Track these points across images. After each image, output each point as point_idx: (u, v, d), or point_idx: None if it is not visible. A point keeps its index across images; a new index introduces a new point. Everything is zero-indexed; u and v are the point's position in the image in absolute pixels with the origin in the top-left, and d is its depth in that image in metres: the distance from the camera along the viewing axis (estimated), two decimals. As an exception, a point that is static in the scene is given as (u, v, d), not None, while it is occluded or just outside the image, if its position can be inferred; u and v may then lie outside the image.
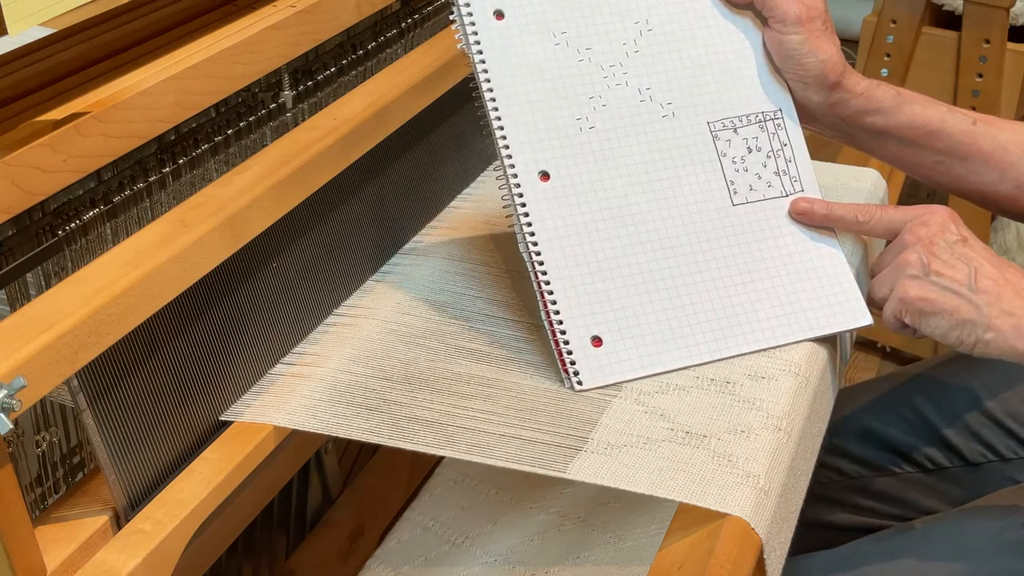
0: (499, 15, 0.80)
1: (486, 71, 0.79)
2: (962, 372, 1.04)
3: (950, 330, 0.78)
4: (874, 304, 0.83)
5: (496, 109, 0.78)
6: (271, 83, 0.84)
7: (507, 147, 0.78)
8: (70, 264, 0.69)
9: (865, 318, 0.83)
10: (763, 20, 0.85)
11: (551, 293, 0.77)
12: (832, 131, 0.89)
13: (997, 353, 0.77)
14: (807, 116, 0.88)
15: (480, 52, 0.79)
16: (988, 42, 1.73)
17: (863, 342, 1.95)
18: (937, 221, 0.81)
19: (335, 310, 0.85)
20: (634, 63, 0.83)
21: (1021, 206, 0.90)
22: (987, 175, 0.88)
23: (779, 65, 0.86)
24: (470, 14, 0.79)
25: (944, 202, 1.71)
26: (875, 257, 0.86)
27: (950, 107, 0.88)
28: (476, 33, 0.79)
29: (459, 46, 0.80)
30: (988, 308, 0.76)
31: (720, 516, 0.66)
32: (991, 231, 1.90)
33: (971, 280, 0.77)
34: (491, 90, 0.79)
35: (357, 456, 1.05)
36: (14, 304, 0.66)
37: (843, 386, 0.97)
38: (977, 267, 0.78)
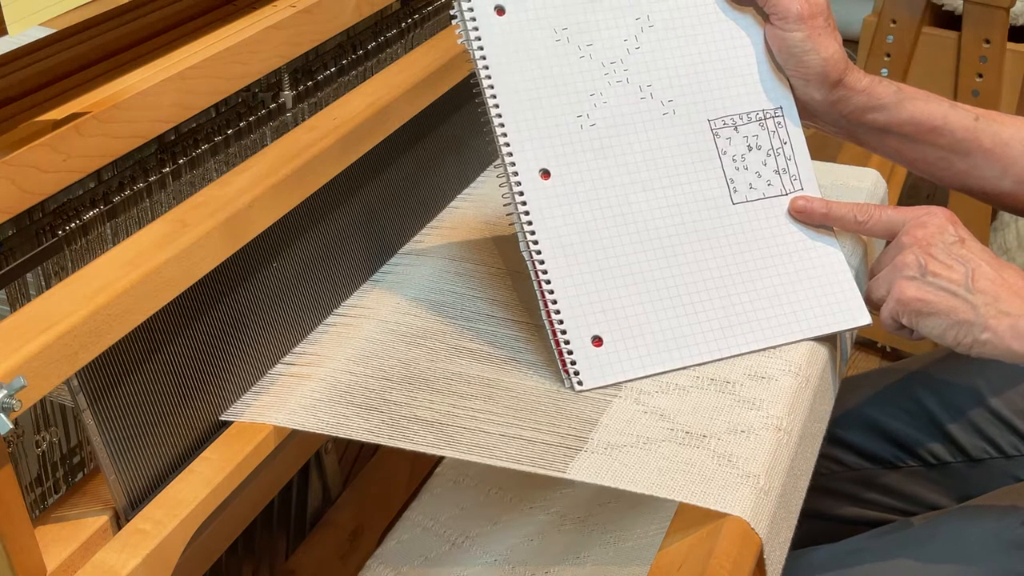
0: (500, 11, 0.80)
1: (487, 68, 0.79)
2: (966, 366, 1.03)
3: (947, 331, 0.78)
4: (871, 305, 0.83)
5: (497, 106, 0.78)
6: (271, 83, 0.84)
7: (508, 145, 0.78)
8: (70, 264, 0.69)
9: (864, 317, 0.83)
10: (765, 17, 0.85)
11: (552, 293, 0.77)
12: (834, 128, 0.89)
13: (994, 354, 0.77)
14: (809, 113, 0.88)
15: (481, 49, 0.79)
16: (988, 42, 1.72)
17: (863, 342, 1.95)
18: (935, 223, 0.81)
19: (335, 310, 0.85)
20: (635, 60, 0.83)
21: (1022, 202, 0.90)
22: (989, 171, 0.88)
23: (780, 62, 0.86)
24: (471, 10, 0.79)
25: (945, 201, 1.72)
26: (875, 257, 0.86)
27: (952, 103, 0.88)
28: (477, 29, 0.79)
29: (460, 42, 0.80)
30: (985, 308, 0.76)
31: (720, 516, 0.66)
32: (991, 231, 1.90)
33: (968, 280, 0.77)
34: (492, 87, 0.78)
35: (357, 456, 1.05)
36: (14, 304, 0.66)
37: (845, 377, 0.97)
38: (974, 268, 0.78)
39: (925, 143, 0.88)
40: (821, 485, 1.04)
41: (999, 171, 0.88)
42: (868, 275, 0.86)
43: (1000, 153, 0.87)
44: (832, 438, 1.05)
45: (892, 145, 0.89)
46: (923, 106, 0.87)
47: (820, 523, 1.04)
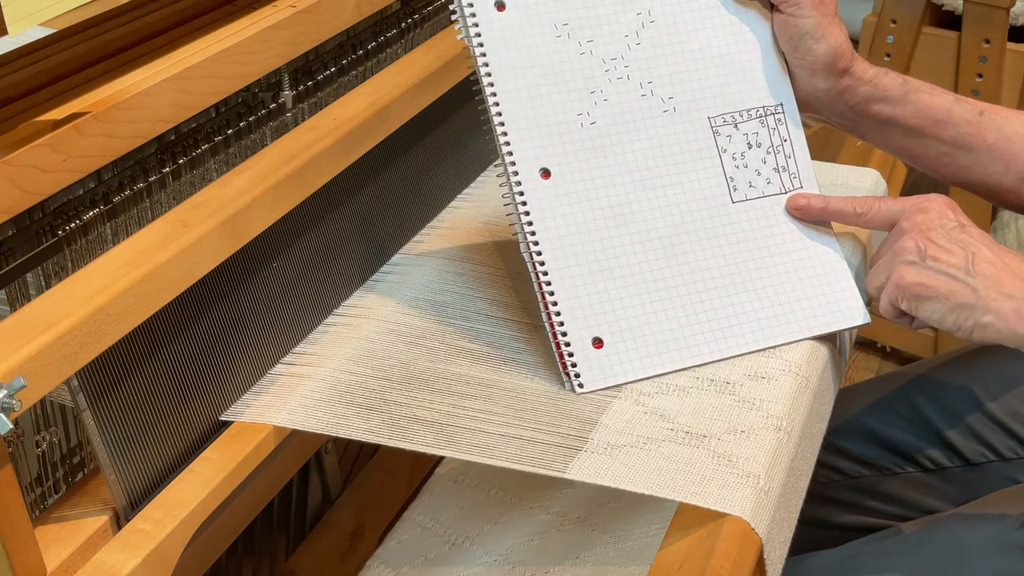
0: (500, 6, 0.79)
1: (486, 65, 0.78)
2: (962, 372, 1.03)
3: (947, 315, 0.77)
4: (872, 294, 0.82)
5: (497, 104, 0.78)
6: (271, 83, 0.84)
7: (508, 143, 0.78)
8: (70, 264, 0.69)
9: (864, 317, 0.83)
10: (771, 7, 0.85)
11: (552, 294, 0.77)
12: (838, 120, 0.89)
13: (995, 337, 0.76)
14: (814, 105, 0.87)
15: (481, 45, 0.78)
16: (988, 42, 1.73)
17: (863, 342, 1.95)
18: (935, 208, 0.80)
19: (335, 310, 0.85)
20: (636, 56, 0.82)
21: None
22: (992, 167, 0.88)
23: (787, 51, 0.85)
24: (471, 5, 0.78)
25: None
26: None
27: (957, 97, 0.87)
28: (477, 25, 0.78)
29: (459, 38, 0.79)
30: (985, 291, 0.75)
31: (720, 516, 0.66)
32: (991, 230, 1.90)
33: (968, 264, 0.76)
34: (492, 84, 0.78)
35: (357, 456, 1.05)
36: (14, 304, 0.66)
37: (843, 386, 0.97)
38: (975, 252, 0.77)
39: (929, 137, 0.87)
40: (820, 494, 1.04)
41: (1002, 167, 0.88)
42: (868, 267, 0.85)
43: (1003, 149, 0.87)
44: (830, 447, 1.04)
45: (896, 139, 0.88)
46: (928, 99, 0.86)
47: (820, 532, 1.04)
